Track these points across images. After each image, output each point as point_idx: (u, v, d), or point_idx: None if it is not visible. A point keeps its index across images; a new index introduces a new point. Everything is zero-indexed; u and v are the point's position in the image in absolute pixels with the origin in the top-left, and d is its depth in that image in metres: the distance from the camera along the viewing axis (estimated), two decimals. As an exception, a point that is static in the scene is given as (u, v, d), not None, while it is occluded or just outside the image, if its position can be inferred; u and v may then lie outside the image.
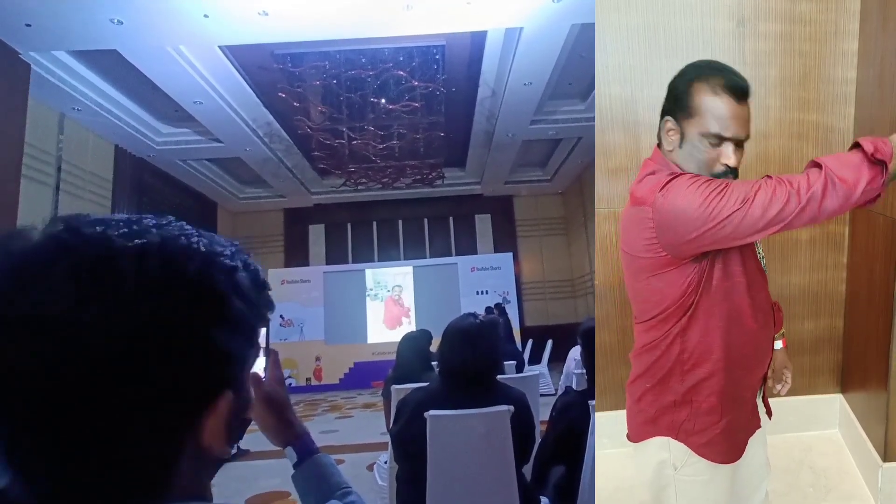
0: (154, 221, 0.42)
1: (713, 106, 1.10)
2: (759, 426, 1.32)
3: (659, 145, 1.21)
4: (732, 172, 1.13)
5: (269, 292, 0.48)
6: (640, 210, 1.13)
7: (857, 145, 1.04)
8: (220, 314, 0.41)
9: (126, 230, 0.39)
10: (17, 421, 0.36)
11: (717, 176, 1.11)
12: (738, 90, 1.11)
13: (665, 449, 1.24)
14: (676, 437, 1.23)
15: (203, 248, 0.42)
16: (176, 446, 0.39)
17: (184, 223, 0.44)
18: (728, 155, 1.11)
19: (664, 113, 1.17)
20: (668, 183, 1.09)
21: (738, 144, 1.12)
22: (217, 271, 0.41)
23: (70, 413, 0.35)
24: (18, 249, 0.37)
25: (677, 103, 1.14)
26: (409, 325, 9.81)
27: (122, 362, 0.35)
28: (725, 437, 1.21)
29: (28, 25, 4.59)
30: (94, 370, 0.35)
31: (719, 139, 1.10)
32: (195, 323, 0.39)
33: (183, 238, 0.41)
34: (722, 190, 1.05)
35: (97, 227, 0.39)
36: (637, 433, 1.29)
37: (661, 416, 1.23)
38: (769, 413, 1.35)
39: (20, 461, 0.37)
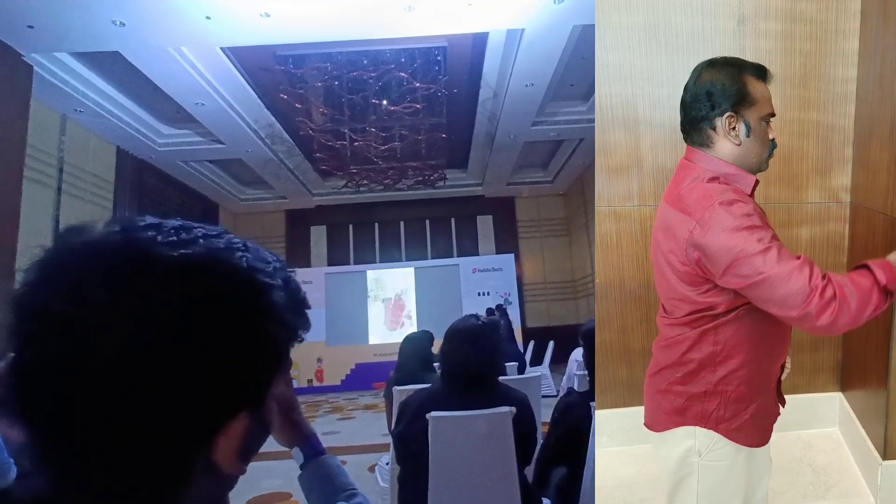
0: (203, 231, 0.42)
1: (763, 91, 1.23)
2: (779, 413, 1.34)
3: (699, 145, 1.24)
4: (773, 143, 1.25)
5: (308, 310, 0.47)
6: (687, 220, 1.16)
7: (866, 267, 1.11)
8: (250, 338, 0.40)
9: (174, 238, 0.39)
10: (37, 414, 0.36)
11: (773, 149, 1.25)
12: (766, 74, 1.25)
13: (691, 436, 1.26)
14: (706, 426, 1.25)
15: (245, 265, 0.41)
16: (185, 461, 0.39)
17: (232, 235, 0.43)
18: (772, 129, 1.24)
19: (720, 112, 1.21)
20: (717, 206, 1.12)
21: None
22: (255, 293, 0.41)
23: (84, 412, 0.35)
24: (75, 243, 0.38)
25: (740, 97, 1.21)
26: (410, 326, 9.81)
27: (136, 372, 0.35)
28: (755, 422, 1.25)
29: (30, 27, 4.61)
30: (109, 377, 0.35)
31: (770, 117, 1.23)
32: (223, 345, 0.38)
33: (227, 252, 0.41)
34: (762, 250, 1.08)
35: (149, 232, 0.39)
36: (662, 422, 1.30)
37: (690, 407, 1.25)
38: (783, 402, 1.36)
39: (38, 456, 0.37)
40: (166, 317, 0.36)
